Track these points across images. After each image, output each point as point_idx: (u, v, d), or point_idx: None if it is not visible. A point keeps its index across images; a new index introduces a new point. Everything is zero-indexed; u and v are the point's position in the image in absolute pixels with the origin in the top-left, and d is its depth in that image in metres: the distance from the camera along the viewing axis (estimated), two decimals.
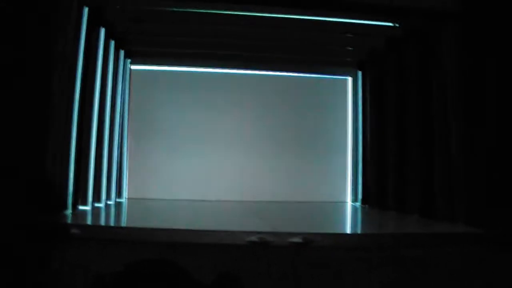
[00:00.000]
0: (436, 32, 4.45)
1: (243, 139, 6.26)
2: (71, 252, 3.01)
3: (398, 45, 5.19)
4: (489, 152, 3.88)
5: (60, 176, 3.93)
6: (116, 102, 5.54)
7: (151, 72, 6.24)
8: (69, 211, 3.98)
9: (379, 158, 5.62)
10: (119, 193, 5.78)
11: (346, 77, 6.46)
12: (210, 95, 6.26)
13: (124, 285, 2.14)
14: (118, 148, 5.69)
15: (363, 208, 5.80)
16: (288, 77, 6.44)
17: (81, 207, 4.41)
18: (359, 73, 6.30)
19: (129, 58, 6.01)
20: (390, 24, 4.83)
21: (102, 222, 4.31)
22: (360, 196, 6.07)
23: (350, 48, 5.81)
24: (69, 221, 3.67)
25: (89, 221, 4.01)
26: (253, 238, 3.15)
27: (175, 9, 4.63)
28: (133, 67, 6.14)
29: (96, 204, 4.84)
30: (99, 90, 4.86)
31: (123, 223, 4.81)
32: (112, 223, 4.49)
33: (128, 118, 6.02)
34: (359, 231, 4.61)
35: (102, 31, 4.86)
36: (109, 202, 5.27)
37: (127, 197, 5.96)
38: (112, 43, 5.29)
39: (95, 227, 3.72)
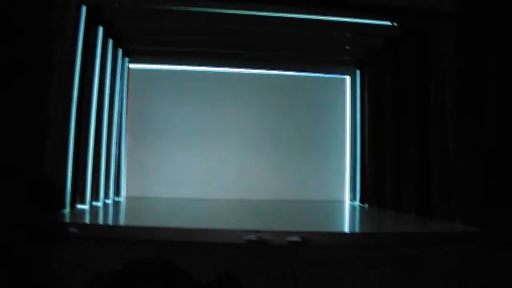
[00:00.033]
0: (434, 31, 4.45)
1: (242, 137, 6.26)
2: (69, 251, 3.01)
3: (396, 44, 5.19)
4: (486, 151, 3.89)
5: (58, 175, 3.93)
6: (114, 101, 5.54)
7: (149, 71, 6.24)
8: (67, 210, 3.98)
9: (377, 157, 5.63)
10: (117, 192, 5.77)
11: (345, 76, 6.47)
12: (208, 94, 6.26)
13: (122, 284, 2.15)
14: (116, 146, 5.69)
15: (361, 207, 5.80)
16: (286, 76, 6.44)
17: (79, 206, 4.41)
18: (358, 72, 6.31)
19: (127, 56, 6.00)
20: (389, 23, 4.83)
21: (100, 221, 4.31)
22: (358, 195, 6.08)
23: (349, 47, 5.81)
24: (67, 220, 3.68)
25: (87, 220, 4.01)
26: (251, 237, 3.16)
27: (173, 8, 4.63)
28: (132, 65, 6.13)
29: (94, 203, 4.84)
30: (97, 89, 4.86)
31: (121, 222, 4.80)
32: (110, 222, 4.48)
33: (126, 117, 6.01)
34: (356, 230, 4.61)
35: (100, 30, 4.86)
36: (107, 201, 5.27)
37: (125, 195, 5.97)
38: (110, 42, 5.28)
39: (93, 226, 3.72)
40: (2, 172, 3.25)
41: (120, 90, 5.76)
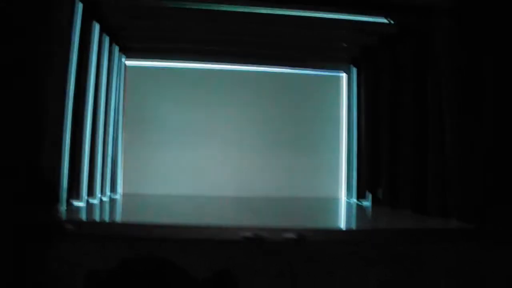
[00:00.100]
0: (431, 28, 4.45)
1: (238, 135, 6.26)
2: (65, 248, 3.00)
3: (393, 41, 5.20)
4: (482, 149, 3.90)
5: (54, 172, 3.92)
6: (110, 98, 5.52)
7: (145, 68, 6.22)
8: (63, 207, 3.97)
9: (373, 154, 5.64)
10: (113, 189, 5.77)
11: (341, 74, 6.47)
12: (205, 91, 6.25)
13: (119, 281, 2.14)
14: (112, 144, 5.68)
15: (356, 204, 5.81)
16: (282, 73, 6.44)
17: (75, 203, 4.40)
18: (354, 70, 6.31)
19: (124, 53, 5.99)
20: (385, 20, 4.83)
21: (96, 217, 4.30)
22: (354, 192, 6.09)
23: (345, 45, 5.81)
24: (63, 217, 3.67)
25: (83, 216, 4.00)
26: (248, 233, 3.16)
27: (169, 5, 4.62)
28: (128, 62, 6.12)
29: (90, 200, 4.83)
30: (93, 86, 4.85)
31: (117, 218, 4.79)
32: (106, 219, 4.48)
33: (122, 114, 6.00)
34: (351, 227, 4.62)
35: (97, 26, 4.84)
36: (103, 198, 5.27)
37: (121, 193, 5.96)
38: (107, 39, 5.27)
39: (89, 223, 3.72)
40: None
41: (116, 86, 5.75)
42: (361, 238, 3.43)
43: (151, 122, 6.14)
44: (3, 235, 2.92)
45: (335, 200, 6.14)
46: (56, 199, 3.91)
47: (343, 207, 5.71)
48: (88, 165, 4.78)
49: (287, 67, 6.38)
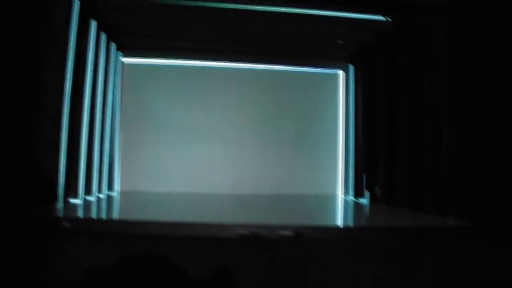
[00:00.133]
0: (428, 27, 4.46)
1: (235, 132, 6.25)
2: (62, 246, 3.00)
3: (390, 39, 5.20)
4: (479, 147, 3.91)
5: (50, 170, 3.91)
6: (107, 95, 5.51)
7: (143, 65, 6.22)
8: (60, 205, 3.97)
9: (370, 151, 5.65)
10: (110, 187, 5.76)
11: (338, 71, 6.48)
12: (202, 89, 6.25)
13: (116, 279, 2.14)
14: (109, 141, 5.67)
15: (353, 201, 5.82)
16: (280, 71, 6.44)
17: (72, 201, 4.39)
18: (351, 67, 6.32)
19: (121, 51, 5.97)
20: (383, 18, 4.83)
21: (93, 215, 4.30)
22: (351, 190, 6.10)
23: (342, 42, 5.80)
24: (60, 214, 3.67)
25: (80, 214, 4.00)
26: (244, 231, 3.17)
27: (167, 2, 4.61)
28: (125, 60, 6.11)
29: (87, 198, 4.83)
30: (91, 83, 4.84)
31: (114, 216, 4.79)
32: (103, 216, 4.47)
33: (119, 111, 5.99)
34: (348, 224, 4.63)
35: (94, 24, 4.83)
36: (100, 196, 5.26)
37: (118, 190, 5.96)
38: (104, 36, 5.25)
39: (87, 220, 3.72)
40: None
41: (113, 84, 5.74)
42: (358, 235, 3.43)
43: (149, 119, 6.12)
44: (3, 235, 2.92)
45: (332, 198, 6.15)
46: (54, 197, 3.91)
47: (340, 204, 5.71)
48: (85, 163, 4.78)
49: (285, 65, 6.38)
